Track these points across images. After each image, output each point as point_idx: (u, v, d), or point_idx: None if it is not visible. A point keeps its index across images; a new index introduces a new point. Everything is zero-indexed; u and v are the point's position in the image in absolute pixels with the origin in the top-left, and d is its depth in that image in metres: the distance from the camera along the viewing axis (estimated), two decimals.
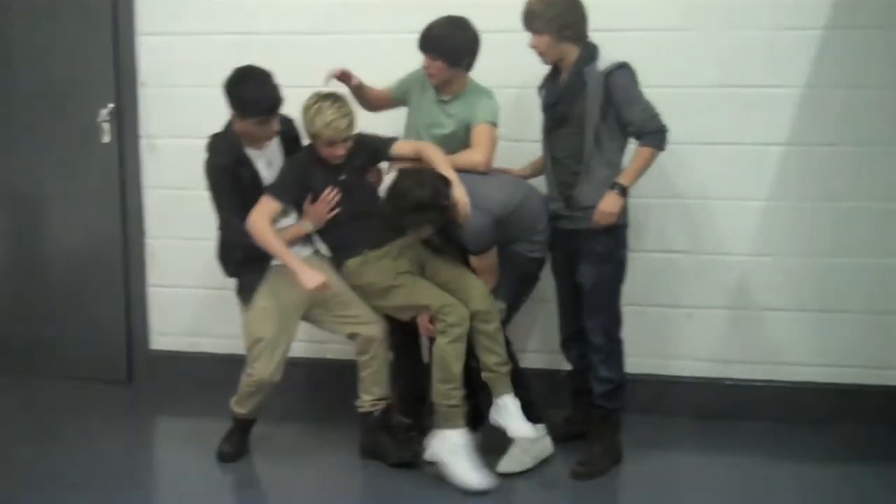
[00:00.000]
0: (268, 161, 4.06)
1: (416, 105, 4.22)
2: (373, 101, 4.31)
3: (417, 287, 4.01)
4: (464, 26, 4.06)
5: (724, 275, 4.55)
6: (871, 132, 4.36)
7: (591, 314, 4.01)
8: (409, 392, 4.31)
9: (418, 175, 3.87)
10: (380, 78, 4.27)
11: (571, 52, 3.88)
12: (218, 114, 4.53)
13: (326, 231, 4.11)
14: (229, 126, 4.02)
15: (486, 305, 3.96)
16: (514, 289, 4.12)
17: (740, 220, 4.49)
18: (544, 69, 4.04)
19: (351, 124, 3.95)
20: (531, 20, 3.85)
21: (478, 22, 4.08)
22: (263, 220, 3.91)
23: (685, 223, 4.41)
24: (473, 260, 4.04)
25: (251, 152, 3.99)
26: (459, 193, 3.85)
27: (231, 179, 3.93)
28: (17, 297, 5.25)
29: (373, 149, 4.09)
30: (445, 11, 4.14)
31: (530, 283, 4.17)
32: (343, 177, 4.04)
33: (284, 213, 4.06)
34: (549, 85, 4.02)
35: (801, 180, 4.43)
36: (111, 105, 4.95)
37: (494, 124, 4.10)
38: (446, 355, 3.91)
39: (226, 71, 4.70)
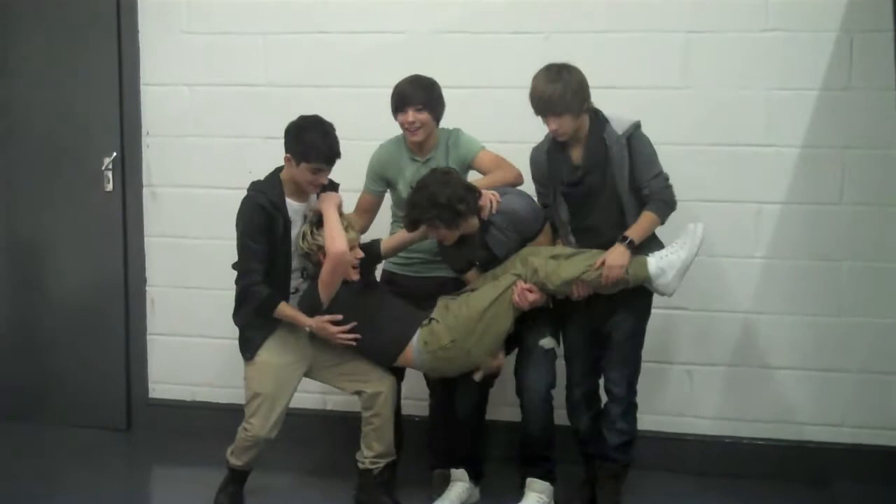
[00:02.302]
0: (300, 213, 4.04)
1: (401, 180, 4.18)
2: (370, 217, 4.32)
3: (489, 284, 3.94)
4: (432, 80, 4.12)
5: (723, 332, 4.54)
6: (868, 192, 4.36)
7: (618, 365, 3.99)
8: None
9: (446, 176, 3.91)
10: (377, 129, 4.30)
11: (585, 123, 3.87)
12: (219, 163, 4.60)
13: (374, 333, 4.03)
14: (275, 173, 4.03)
15: (531, 251, 3.95)
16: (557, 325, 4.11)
17: (739, 278, 4.50)
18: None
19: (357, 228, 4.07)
20: (551, 105, 3.76)
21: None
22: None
23: (684, 280, 4.39)
24: (536, 241, 4.01)
25: (290, 202, 3.99)
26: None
27: (264, 220, 3.91)
28: (19, 343, 5.25)
29: (366, 252, 4.06)
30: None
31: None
32: (366, 284, 4.08)
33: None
34: (560, 162, 3.93)
35: (800, 239, 4.44)
36: (115, 154, 4.98)
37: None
38: (572, 263, 3.84)
39: (229, 122, 4.82)
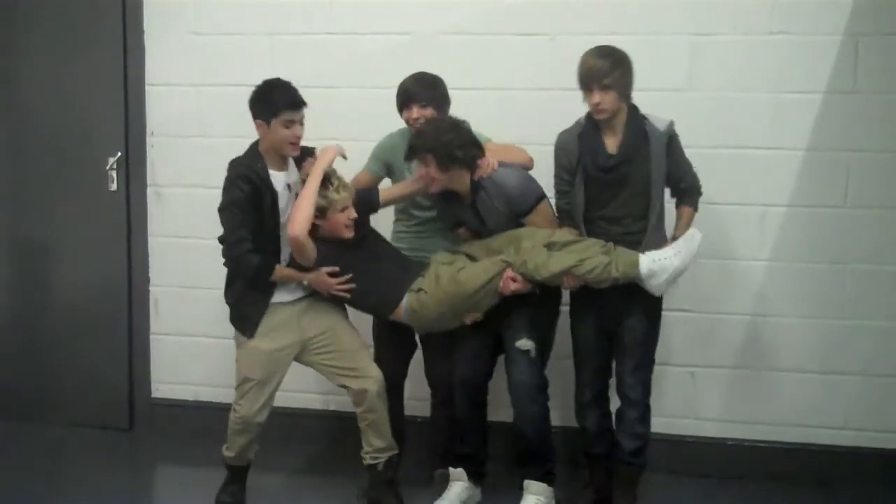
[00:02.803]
0: (287, 184, 4.05)
1: (406, 173, 4.21)
2: None
3: (479, 264, 3.96)
4: (436, 77, 4.17)
5: (726, 334, 4.55)
6: (872, 195, 4.37)
7: (633, 369, 3.98)
8: None
9: (459, 123, 4.00)
10: (382, 130, 4.31)
11: (623, 111, 3.88)
12: (223, 164, 4.56)
13: (366, 291, 4.06)
14: (253, 147, 4.06)
15: (530, 232, 3.96)
16: (543, 323, 4.08)
17: (743, 280, 4.50)
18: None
19: (353, 190, 4.06)
20: (598, 77, 3.76)
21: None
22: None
23: (688, 282, 4.37)
24: (531, 220, 4.00)
25: (273, 174, 4.00)
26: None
27: (250, 190, 3.92)
28: (22, 342, 5.26)
29: (365, 201, 4.11)
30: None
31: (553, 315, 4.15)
32: (360, 239, 4.09)
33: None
34: (595, 147, 3.91)
35: (804, 241, 4.45)
36: (119, 153, 4.99)
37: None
38: (561, 257, 3.83)
39: (233, 122, 4.77)
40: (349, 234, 4.00)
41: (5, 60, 5.11)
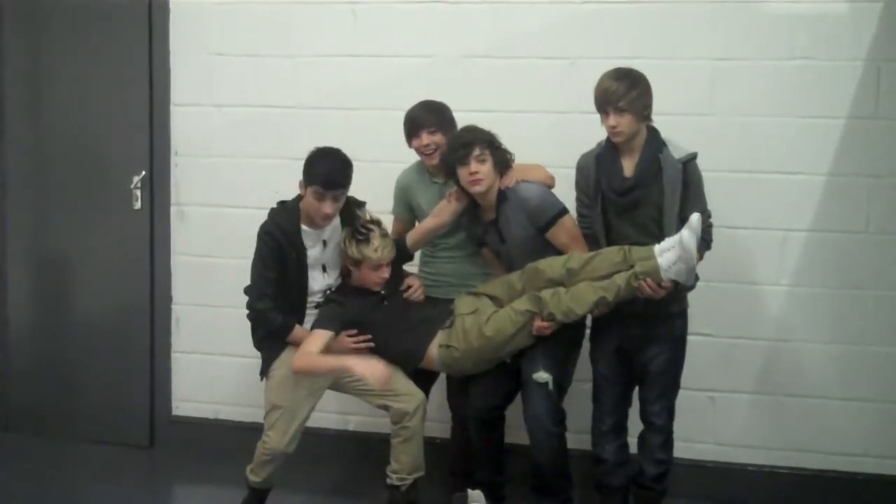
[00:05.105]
0: (317, 239, 4.09)
1: (423, 202, 4.24)
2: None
3: (504, 314, 3.93)
4: (441, 102, 4.19)
5: (746, 359, 4.53)
6: (894, 221, 4.35)
7: (658, 397, 3.95)
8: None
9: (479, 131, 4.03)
10: (403, 153, 4.31)
11: (642, 133, 3.83)
12: (247, 183, 4.64)
13: (392, 345, 4.09)
14: (297, 199, 4.09)
15: (547, 263, 3.93)
16: (562, 355, 4.04)
17: (764, 305, 4.48)
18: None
19: (394, 247, 4.09)
20: (614, 100, 3.71)
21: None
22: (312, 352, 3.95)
23: (708, 307, 4.39)
24: (555, 234, 3.97)
25: (305, 229, 4.04)
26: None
27: (273, 245, 3.96)
28: (44, 358, 5.30)
29: (396, 253, 4.15)
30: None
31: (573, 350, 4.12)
32: (385, 295, 4.14)
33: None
34: (611, 169, 3.86)
35: (824, 267, 4.42)
36: (144, 172, 5.03)
37: None
38: (583, 295, 3.80)
39: (257, 143, 4.86)
40: (378, 288, 4.08)
41: (33, 79, 5.18)
